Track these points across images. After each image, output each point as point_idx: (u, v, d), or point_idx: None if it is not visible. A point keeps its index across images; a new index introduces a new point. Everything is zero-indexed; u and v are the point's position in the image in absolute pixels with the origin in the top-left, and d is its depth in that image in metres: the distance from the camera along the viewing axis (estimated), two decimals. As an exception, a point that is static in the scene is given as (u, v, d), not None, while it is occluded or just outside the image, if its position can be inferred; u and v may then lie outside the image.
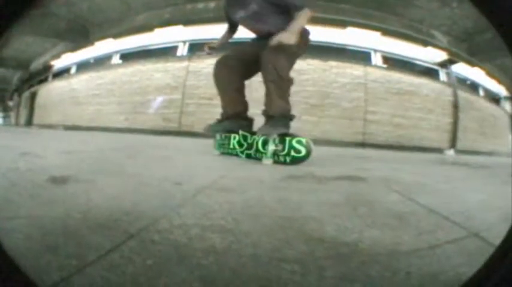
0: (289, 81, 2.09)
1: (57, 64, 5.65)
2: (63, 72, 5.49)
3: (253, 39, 2.37)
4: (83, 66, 4.99)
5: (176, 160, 2.14)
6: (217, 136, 2.42)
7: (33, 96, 6.70)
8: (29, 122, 6.54)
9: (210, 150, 2.40)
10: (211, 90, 2.39)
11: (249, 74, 2.35)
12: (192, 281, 0.48)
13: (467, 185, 1.73)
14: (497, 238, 0.50)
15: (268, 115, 2.13)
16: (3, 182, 1.01)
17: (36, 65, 6.79)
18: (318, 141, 2.11)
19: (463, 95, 4.40)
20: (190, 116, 3.43)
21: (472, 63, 4.98)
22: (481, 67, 5.20)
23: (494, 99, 5.77)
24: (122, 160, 1.93)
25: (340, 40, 3.66)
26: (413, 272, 0.54)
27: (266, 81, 2.08)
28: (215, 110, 2.41)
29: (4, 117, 8.93)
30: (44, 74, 6.27)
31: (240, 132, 2.30)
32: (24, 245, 0.55)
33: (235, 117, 2.36)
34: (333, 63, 3.44)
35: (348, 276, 0.53)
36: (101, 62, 4.65)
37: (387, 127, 3.46)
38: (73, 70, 5.19)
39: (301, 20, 1.94)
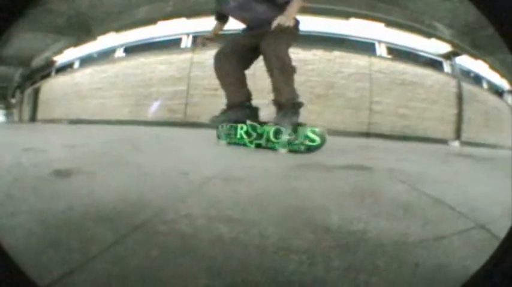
0: (292, 69, 2.14)
1: (60, 59, 5.64)
2: (67, 67, 5.49)
3: (244, 30, 2.44)
4: (86, 61, 4.99)
5: (182, 151, 2.15)
6: (224, 126, 2.44)
7: (36, 92, 6.69)
8: (33, 118, 6.55)
9: (216, 140, 2.42)
10: (216, 81, 2.42)
11: (247, 64, 2.42)
12: (198, 272, 0.48)
13: (472, 176, 1.75)
14: (501, 230, 0.50)
15: (279, 104, 2.17)
16: (7, 178, 1.02)
17: (38, 61, 6.77)
18: (322, 131, 2.13)
19: (467, 87, 4.38)
20: (196, 107, 3.44)
21: (475, 56, 4.95)
22: (484, 60, 5.16)
23: (498, 92, 5.73)
24: (128, 151, 1.95)
25: (345, 31, 3.66)
26: (420, 264, 0.54)
27: (270, 69, 2.13)
28: (220, 101, 2.42)
29: (7, 115, 8.94)
30: (46, 70, 6.26)
31: (248, 122, 2.32)
32: (27, 240, 0.55)
33: (239, 106, 2.41)
34: (337, 53, 3.45)
35: (355, 266, 0.54)
36: (104, 56, 4.65)
37: (392, 117, 3.47)
38: (76, 65, 5.20)
39: (295, 6, 2.03)
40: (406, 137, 3.36)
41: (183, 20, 3.92)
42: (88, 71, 4.74)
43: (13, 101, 8.92)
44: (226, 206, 0.83)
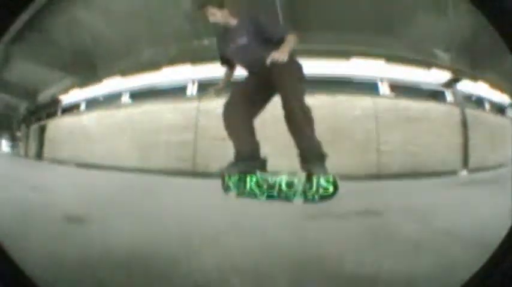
0: (312, 118, 2.16)
1: (66, 99, 5.74)
2: (73, 108, 5.58)
3: (248, 76, 2.49)
4: (92, 104, 5.07)
5: (192, 201, 2.15)
6: (233, 178, 2.44)
7: (42, 129, 6.76)
8: (39, 156, 6.59)
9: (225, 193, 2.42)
10: (223, 130, 2.44)
11: (255, 113, 2.45)
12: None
13: (482, 203, 1.74)
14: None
15: (307, 153, 2.18)
16: (15, 212, 1.02)
17: (43, 97, 6.87)
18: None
19: (470, 111, 4.41)
20: (205, 156, 3.46)
21: (475, 78, 5.01)
22: (484, 79, 5.22)
23: (500, 109, 5.77)
24: (138, 200, 1.95)
25: (347, 72, 3.73)
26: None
27: (291, 113, 2.15)
28: (229, 151, 2.44)
29: (12, 147, 8.99)
30: (52, 108, 6.35)
31: (258, 173, 2.33)
32: (42, 275, 0.55)
33: (249, 158, 2.42)
34: (342, 97, 3.50)
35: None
36: (110, 100, 4.73)
37: (401, 156, 3.47)
38: (82, 107, 5.28)
39: (289, 43, 2.11)
40: (416, 173, 3.35)
41: (187, 66, 4.01)
42: (94, 114, 4.81)
43: (18, 134, 9.02)
44: (238, 257, 0.83)
